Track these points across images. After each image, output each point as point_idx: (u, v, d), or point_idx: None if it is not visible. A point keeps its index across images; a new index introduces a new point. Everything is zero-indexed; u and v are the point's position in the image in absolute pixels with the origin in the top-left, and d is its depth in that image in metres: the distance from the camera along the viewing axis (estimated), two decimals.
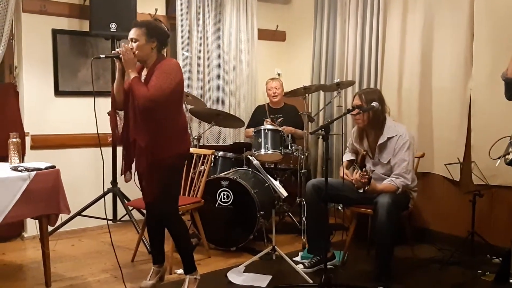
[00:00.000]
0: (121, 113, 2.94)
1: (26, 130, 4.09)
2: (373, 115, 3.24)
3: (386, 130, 3.27)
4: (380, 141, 3.27)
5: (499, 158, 2.99)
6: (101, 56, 2.89)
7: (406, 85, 4.22)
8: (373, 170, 3.13)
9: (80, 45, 4.35)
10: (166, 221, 3.01)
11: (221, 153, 4.35)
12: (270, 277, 3.23)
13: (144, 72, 2.86)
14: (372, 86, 4.46)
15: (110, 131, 4.07)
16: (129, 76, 2.77)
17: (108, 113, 3.99)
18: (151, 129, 2.77)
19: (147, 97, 2.67)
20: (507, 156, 2.91)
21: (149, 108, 2.71)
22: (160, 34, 2.86)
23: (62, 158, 4.03)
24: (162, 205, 2.90)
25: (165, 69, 2.74)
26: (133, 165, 2.95)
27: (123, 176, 2.97)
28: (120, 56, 2.75)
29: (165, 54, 2.97)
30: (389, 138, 3.25)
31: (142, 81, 2.80)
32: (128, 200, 4.16)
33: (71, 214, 3.50)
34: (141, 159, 2.81)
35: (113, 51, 2.83)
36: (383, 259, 3.05)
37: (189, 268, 3.02)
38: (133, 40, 2.79)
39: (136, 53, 2.78)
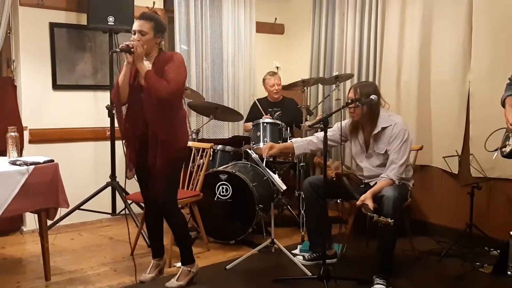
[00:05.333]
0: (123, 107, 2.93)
1: (24, 124, 4.09)
2: (368, 108, 3.23)
3: (380, 121, 3.27)
4: (375, 131, 3.27)
5: (495, 150, 2.99)
6: (117, 50, 2.82)
7: (405, 78, 4.22)
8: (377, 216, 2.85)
9: (77, 38, 4.33)
10: (165, 212, 3.02)
11: (219, 146, 4.35)
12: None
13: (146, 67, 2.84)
14: (371, 79, 4.46)
15: (109, 125, 4.12)
16: (141, 70, 2.74)
17: (106, 107, 4.02)
18: (167, 121, 2.78)
19: (169, 91, 2.69)
20: (503, 149, 2.92)
21: (169, 101, 2.73)
22: (164, 30, 2.89)
23: (61, 152, 4.03)
24: (165, 196, 2.91)
25: (177, 63, 2.79)
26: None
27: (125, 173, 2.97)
28: (132, 50, 2.73)
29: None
30: (383, 128, 3.25)
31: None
32: (127, 193, 4.16)
33: (70, 208, 3.50)
34: (156, 152, 2.79)
35: (124, 44, 2.77)
36: (386, 252, 3.04)
37: (186, 260, 3.04)
38: (143, 33, 2.78)
39: (144, 47, 2.78)
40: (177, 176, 3.01)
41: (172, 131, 2.81)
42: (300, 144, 3.50)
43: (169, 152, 2.80)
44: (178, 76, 2.74)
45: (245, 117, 4.85)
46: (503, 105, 2.96)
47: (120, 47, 2.79)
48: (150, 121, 2.81)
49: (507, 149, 2.89)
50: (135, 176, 3.00)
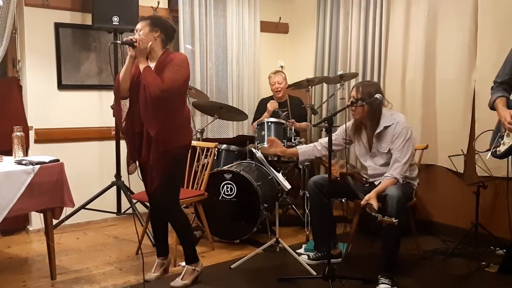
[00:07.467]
0: (125, 102, 2.93)
1: (29, 124, 4.11)
2: (369, 107, 3.23)
3: (383, 120, 3.26)
4: (377, 130, 3.27)
5: (488, 150, 2.98)
6: (118, 41, 3.04)
7: (410, 77, 4.21)
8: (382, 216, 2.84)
9: (82, 38, 4.34)
10: (167, 213, 3.02)
11: (224, 146, 4.35)
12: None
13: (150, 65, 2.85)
14: (375, 78, 4.45)
15: (114, 125, 4.13)
16: (140, 64, 2.79)
17: (111, 106, 4.02)
18: (161, 119, 2.77)
19: (161, 88, 2.70)
20: (498, 148, 2.90)
21: (162, 98, 2.72)
22: (164, 25, 2.89)
23: (66, 152, 4.05)
24: (163, 196, 2.91)
25: (177, 62, 2.79)
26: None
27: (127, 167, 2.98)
28: (135, 44, 2.78)
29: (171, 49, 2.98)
30: (386, 127, 3.24)
31: None
32: (132, 193, 4.17)
33: (75, 207, 3.51)
34: (150, 149, 2.81)
35: (128, 37, 2.85)
36: (390, 251, 3.03)
37: (190, 259, 3.04)
38: (137, 30, 2.84)
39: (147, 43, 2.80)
40: (177, 176, 2.98)
41: (166, 130, 2.78)
42: (304, 150, 3.50)
43: (163, 150, 2.78)
44: (174, 76, 2.74)
45: (251, 118, 4.85)
46: (492, 108, 2.94)
47: (123, 40, 2.88)
48: (143, 118, 2.82)
49: (502, 148, 2.87)
50: (139, 175, 3.01)
